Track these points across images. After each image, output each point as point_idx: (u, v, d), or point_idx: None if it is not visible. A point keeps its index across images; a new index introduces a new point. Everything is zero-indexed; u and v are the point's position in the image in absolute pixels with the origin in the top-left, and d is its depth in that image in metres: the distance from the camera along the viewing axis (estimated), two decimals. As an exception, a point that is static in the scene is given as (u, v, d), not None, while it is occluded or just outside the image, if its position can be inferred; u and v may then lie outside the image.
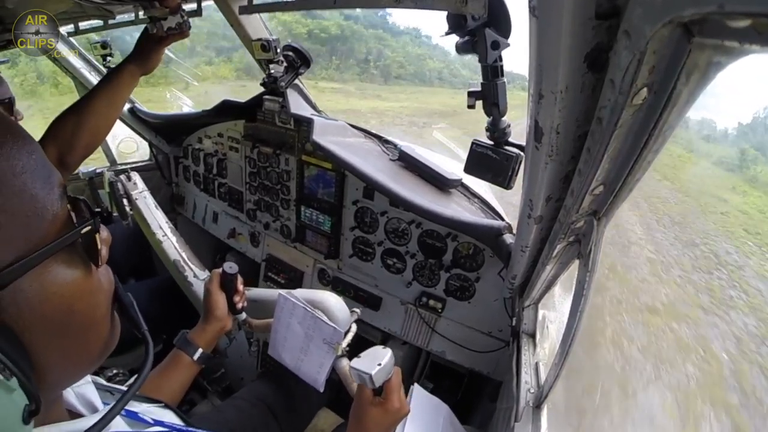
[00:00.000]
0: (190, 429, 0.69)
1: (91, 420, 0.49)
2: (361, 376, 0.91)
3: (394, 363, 0.96)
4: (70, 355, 0.46)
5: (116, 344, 0.53)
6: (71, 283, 0.43)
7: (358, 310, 1.24)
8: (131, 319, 0.60)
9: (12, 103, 1.65)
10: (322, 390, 1.17)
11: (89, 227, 0.45)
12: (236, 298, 1.23)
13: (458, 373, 1.85)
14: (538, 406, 1.00)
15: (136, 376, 0.54)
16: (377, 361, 0.92)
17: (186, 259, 1.66)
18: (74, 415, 0.56)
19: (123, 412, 0.55)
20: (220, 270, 1.21)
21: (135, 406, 0.68)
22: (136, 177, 1.68)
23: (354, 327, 1.20)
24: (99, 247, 0.46)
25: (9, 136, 0.40)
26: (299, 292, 1.22)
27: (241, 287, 1.25)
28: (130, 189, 1.65)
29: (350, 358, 1.16)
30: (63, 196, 0.44)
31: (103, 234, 0.49)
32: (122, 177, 1.64)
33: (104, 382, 0.71)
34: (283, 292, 1.21)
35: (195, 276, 1.63)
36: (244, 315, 1.29)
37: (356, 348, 1.18)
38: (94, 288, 0.47)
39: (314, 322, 1.15)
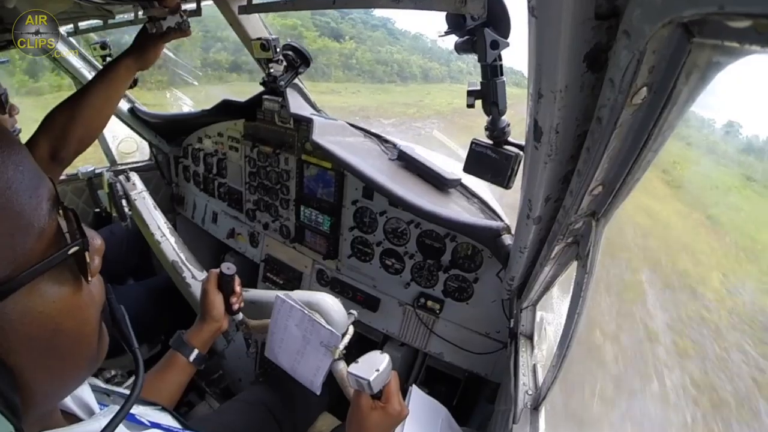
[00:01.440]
0: (188, 431, 0.68)
1: (85, 427, 0.48)
2: (360, 381, 0.92)
3: (391, 368, 0.96)
4: (58, 373, 0.44)
5: (105, 356, 0.51)
6: (59, 301, 0.41)
7: (355, 312, 1.23)
8: (122, 334, 0.59)
9: (5, 97, 1.64)
10: (318, 393, 1.17)
11: (77, 247, 0.42)
12: (233, 299, 1.22)
13: (454, 378, 1.84)
14: (536, 408, 1.00)
15: (132, 384, 0.53)
16: (375, 366, 0.93)
17: (184, 260, 1.65)
18: (69, 416, 0.56)
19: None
20: (218, 270, 1.20)
21: (132, 408, 0.67)
22: (135, 177, 1.68)
23: (351, 329, 1.20)
24: (89, 261, 0.44)
25: None
26: (296, 294, 1.21)
27: (238, 288, 1.23)
28: (129, 190, 1.64)
29: (347, 359, 1.15)
30: (52, 209, 0.41)
31: (96, 243, 0.46)
32: (121, 178, 1.63)
33: (101, 384, 0.70)
34: (280, 293, 1.20)
35: (193, 277, 1.63)
36: (240, 315, 1.28)
37: (356, 347, 1.18)
38: (83, 303, 0.44)
39: (311, 325, 1.14)
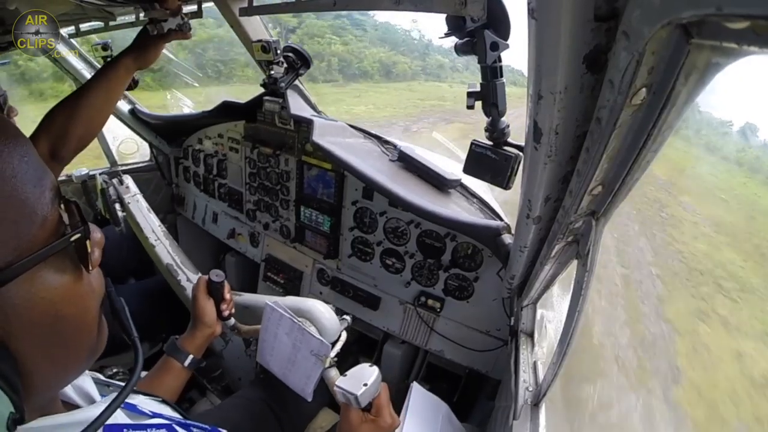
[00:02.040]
0: (189, 422, 0.69)
1: (86, 413, 0.49)
2: (347, 396, 0.91)
3: (380, 381, 0.96)
4: (59, 360, 0.45)
5: (104, 348, 0.52)
6: (60, 288, 0.42)
7: (348, 318, 1.23)
8: (122, 324, 0.60)
9: (4, 99, 1.64)
10: (310, 399, 1.16)
11: (79, 234, 0.43)
12: (223, 306, 1.21)
13: (455, 375, 1.85)
14: (536, 405, 1.00)
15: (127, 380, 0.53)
16: (363, 381, 0.92)
17: (179, 263, 1.65)
18: (71, 406, 0.56)
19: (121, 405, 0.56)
20: (207, 277, 1.20)
21: (133, 399, 0.67)
22: (128, 180, 1.67)
23: (344, 336, 1.19)
24: (90, 251, 0.45)
25: (1, 138, 0.39)
26: (287, 301, 1.20)
27: (228, 295, 1.23)
28: (123, 193, 1.63)
29: (346, 358, 1.15)
30: (54, 199, 0.43)
31: (96, 236, 0.48)
32: (114, 181, 1.62)
33: (101, 377, 0.71)
34: (269, 301, 1.19)
35: (188, 280, 1.62)
36: (232, 321, 1.27)
37: (357, 345, 1.17)
38: (84, 292, 0.46)
39: (301, 334, 1.13)
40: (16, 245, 0.38)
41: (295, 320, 1.14)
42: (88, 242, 0.45)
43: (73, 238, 0.43)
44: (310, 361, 1.13)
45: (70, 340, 0.45)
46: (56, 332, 0.43)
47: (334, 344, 1.14)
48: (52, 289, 0.41)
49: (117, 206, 1.60)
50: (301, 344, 1.14)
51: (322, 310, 1.18)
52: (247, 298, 1.40)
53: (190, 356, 1.12)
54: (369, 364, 0.97)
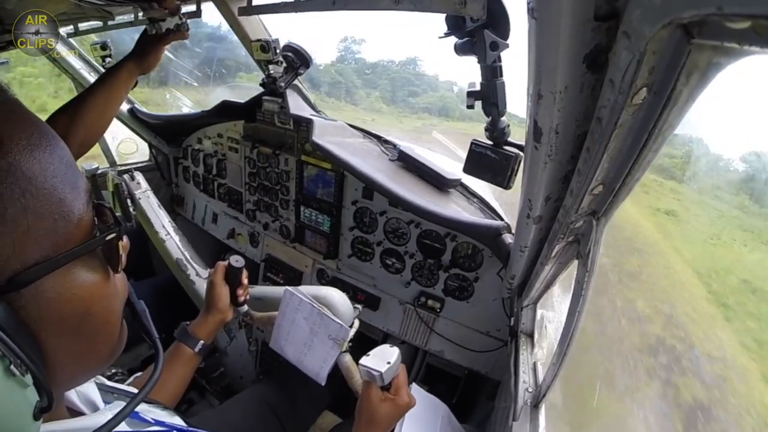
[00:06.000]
0: (191, 429, 0.69)
1: (94, 419, 0.49)
2: (371, 373, 0.95)
3: (400, 361, 0.99)
4: (82, 357, 0.46)
5: (122, 350, 0.53)
6: (91, 287, 0.44)
7: (359, 306, 1.27)
8: (143, 326, 0.62)
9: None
10: (323, 383, 1.19)
11: (114, 234, 0.46)
12: (240, 291, 1.24)
13: (454, 375, 1.85)
14: (536, 406, 1.00)
15: (142, 376, 0.54)
16: (386, 359, 0.96)
17: (188, 258, 1.67)
18: (75, 413, 0.56)
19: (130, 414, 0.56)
20: (226, 263, 1.23)
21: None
22: (139, 177, 1.69)
23: (357, 323, 1.23)
24: (120, 253, 0.48)
25: (43, 140, 0.40)
26: (305, 288, 1.24)
27: (245, 281, 1.26)
28: (134, 189, 1.66)
29: (352, 353, 1.17)
30: (89, 202, 0.45)
31: (123, 241, 0.50)
32: (126, 177, 1.64)
33: (107, 382, 0.71)
34: (289, 287, 1.23)
35: (197, 275, 1.63)
36: (245, 307, 1.30)
37: (356, 345, 1.19)
38: (111, 292, 0.48)
39: (321, 319, 1.17)
40: (53, 241, 0.39)
41: (315, 305, 1.18)
42: (120, 243, 0.47)
43: (108, 237, 0.45)
44: (327, 345, 1.17)
45: (95, 338, 0.47)
46: (83, 329, 0.44)
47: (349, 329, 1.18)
48: (84, 286, 0.43)
49: (128, 201, 1.61)
50: (319, 329, 1.18)
51: (338, 297, 1.22)
52: (260, 289, 1.43)
53: (201, 342, 1.14)
54: (389, 345, 1.01)
